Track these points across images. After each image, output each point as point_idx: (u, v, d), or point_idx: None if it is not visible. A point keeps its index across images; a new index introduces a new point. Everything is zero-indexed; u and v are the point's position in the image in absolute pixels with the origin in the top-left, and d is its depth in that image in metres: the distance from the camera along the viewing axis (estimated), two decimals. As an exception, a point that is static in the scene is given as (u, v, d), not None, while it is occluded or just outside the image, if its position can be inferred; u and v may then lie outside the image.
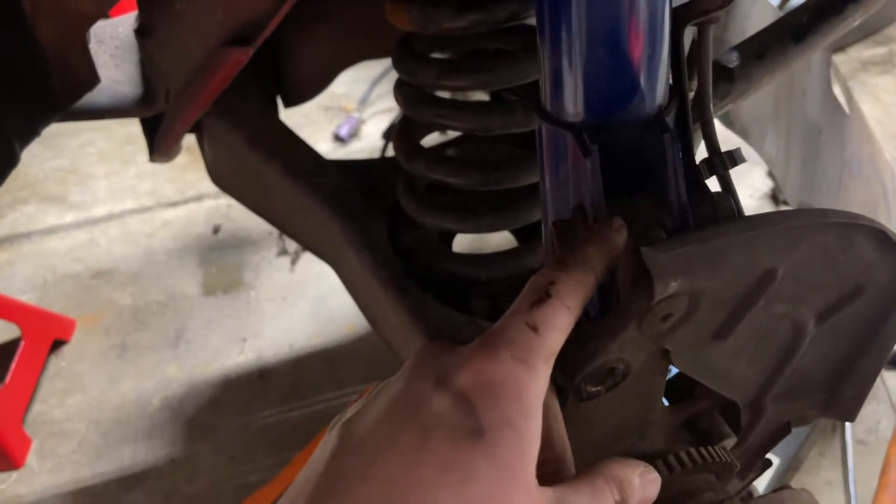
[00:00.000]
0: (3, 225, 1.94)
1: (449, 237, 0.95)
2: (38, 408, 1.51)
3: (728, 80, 0.67)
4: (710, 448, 0.48)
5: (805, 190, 1.22)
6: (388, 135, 2.07)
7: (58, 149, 2.16)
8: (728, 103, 0.69)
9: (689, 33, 0.49)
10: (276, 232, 1.83)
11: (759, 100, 1.07)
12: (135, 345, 1.62)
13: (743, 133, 1.07)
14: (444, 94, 0.77)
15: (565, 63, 0.45)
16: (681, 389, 0.52)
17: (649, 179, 0.45)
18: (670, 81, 0.48)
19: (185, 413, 1.48)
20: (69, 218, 1.96)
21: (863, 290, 0.47)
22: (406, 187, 0.86)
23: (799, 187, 1.22)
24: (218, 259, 1.82)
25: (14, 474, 1.40)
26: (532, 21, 0.64)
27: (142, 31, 0.84)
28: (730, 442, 0.52)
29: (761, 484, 1.21)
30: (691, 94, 0.50)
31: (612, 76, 0.45)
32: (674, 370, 0.47)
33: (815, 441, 1.35)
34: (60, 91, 0.77)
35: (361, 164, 0.99)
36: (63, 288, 1.76)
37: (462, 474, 0.34)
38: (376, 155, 2.00)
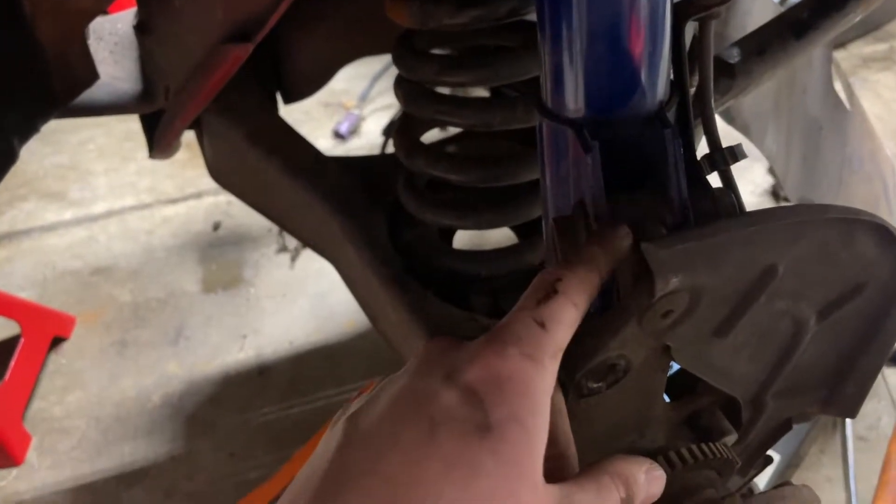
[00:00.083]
0: (3, 222, 1.94)
1: (449, 234, 0.94)
2: (37, 405, 1.51)
3: (729, 75, 0.67)
4: (711, 445, 0.48)
5: (806, 186, 1.21)
6: (388, 131, 2.06)
7: (57, 145, 2.16)
8: (729, 99, 0.69)
9: (690, 29, 0.49)
10: (275, 229, 1.83)
11: (759, 96, 1.07)
12: (134, 342, 1.62)
13: (744, 129, 1.07)
14: (445, 91, 0.77)
15: (566, 59, 0.45)
16: (682, 386, 0.52)
17: (650, 175, 0.45)
18: (671, 77, 0.48)
19: (185, 410, 1.48)
20: (69, 215, 1.96)
21: (864, 286, 0.47)
22: (406, 184, 0.86)
23: (800, 183, 1.22)
24: (218, 256, 1.82)
25: (14, 471, 1.40)
26: (532, 17, 0.63)
27: (141, 28, 0.83)
28: (731, 438, 0.52)
29: (761, 481, 1.21)
30: (692, 90, 0.50)
31: (613, 72, 0.45)
32: (675, 366, 0.47)
33: (815, 438, 1.35)
34: (59, 87, 0.77)
35: (361, 160, 0.99)
36: (63, 285, 1.76)
37: (469, 470, 0.34)
38: (376, 152, 1.99)
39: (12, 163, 0.76)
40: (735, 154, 0.48)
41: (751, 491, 0.56)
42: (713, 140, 0.49)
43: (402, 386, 0.38)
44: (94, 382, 1.55)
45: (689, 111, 0.48)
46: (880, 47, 2.33)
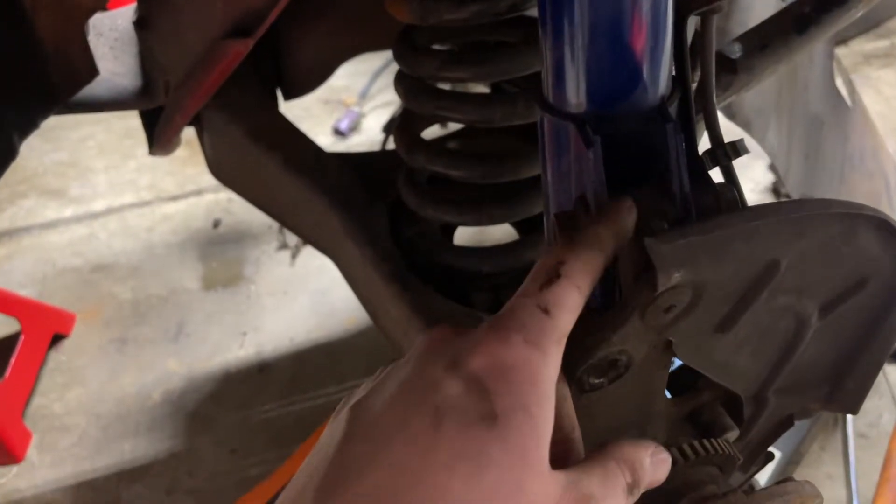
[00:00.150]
0: (3, 219, 1.94)
1: (450, 230, 0.94)
2: (38, 402, 1.51)
3: (731, 71, 0.67)
4: (712, 441, 0.48)
5: (807, 183, 1.21)
6: (389, 128, 2.06)
7: (57, 142, 2.16)
8: (731, 94, 0.68)
9: (691, 24, 0.49)
10: (276, 226, 1.83)
11: (761, 92, 1.07)
12: (135, 339, 1.62)
13: (745, 125, 1.07)
14: (445, 87, 0.77)
15: (567, 54, 0.45)
16: (683, 382, 0.52)
17: (652, 170, 0.45)
18: (673, 72, 0.48)
19: (186, 407, 1.48)
20: (68, 212, 1.96)
21: (866, 282, 0.47)
22: (407, 180, 0.86)
23: (801, 180, 1.22)
24: (218, 253, 1.81)
25: (14, 468, 1.40)
26: (533, 12, 0.63)
27: (141, 24, 0.83)
28: (732, 435, 0.52)
29: (762, 478, 1.21)
30: (694, 85, 0.49)
31: (615, 67, 0.45)
32: (676, 362, 0.47)
33: (816, 435, 1.35)
34: (59, 83, 0.77)
35: (362, 157, 0.99)
36: (63, 282, 1.76)
37: (475, 461, 0.34)
38: (376, 149, 1.99)
39: (12, 159, 0.76)
40: (737, 149, 0.48)
41: (752, 487, 0.56)
42: (715, 135, 0.49)
43: (406, 375, 0.38)
44: (95, 379, 1.55)
45: (691, 106, 0.48)
46: (881, 44, 2.33)
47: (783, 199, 1.78)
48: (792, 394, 0.52)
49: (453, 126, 0.87)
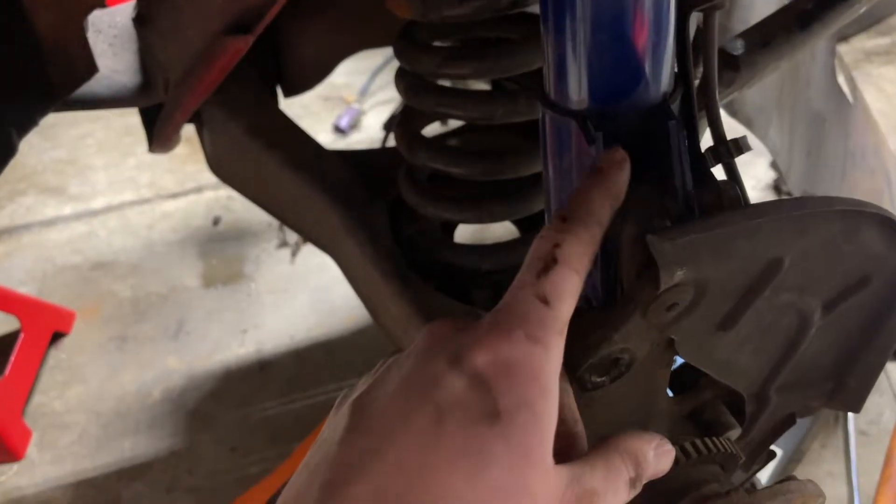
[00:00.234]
0: (2, 216, 1.94)
1: (451, 228, 0.94)
2: (38, 400, 1.51)
3: (733, 67, 0.66)
4: (714, 439, 0.48)
5: (808, 180, 1.21)
6: (389, 126, 2.06)
7: (56, 139, 2.15)
8: (733, 91, 0.68)
9: (693, 20, 0.48)
10: (276, 223, 1.82)
11: (763, 89, 1.07)
12: (135, 336, 1.62)
13: (747, 122, 1.07)
14: (446, 84, 0.77)
15: (569, 50, 0.45)
16: (685, 380, 0.52)
17: (654, 167, 0.45)
18: (675, 69, 0.48)
19: (186, 405, 1.48)
20: (68, 209, 1.95)
21: (869, 279, 0.46)
22: (407, 178, 0.86)
23: (802, 177, 1.22)
24: (218, 251, 1.81)
25: (14, 466, 1.40)
26: (535, 8, 0.63)
27: (140, 20, 0.83)
28: (734, 433, 0.52)
29: (763, 476, 1.20)
30: (696, 82, 0.49)
31: (617, 63, 0.45)
32: (678, 360, 0.47)
33: (817, 433, 1.35)
34: (58, 81, 0.77)
35: (362, 154, 0.99)
36: (62, 280, 1.76)
37: (479, 459, 0.33)
38: (377, 146, 1.99)
39: (11, 156, 0.76)
40: (740, 146, 0.48)
41: (753, 486, 0.56)
42: (717, 132, 0.49)
43: (408, 370, 0.37)
44: (95, 377, 1.54)
45: (694, 103, 0.48)
46: (883, 41, 2.32)
47: (785, 197, 1.77)
48: (794, 392, 0.52)
49: (454, 123, 0.86)
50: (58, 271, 1.78)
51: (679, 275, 0.39)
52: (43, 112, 0.77)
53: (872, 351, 0.50)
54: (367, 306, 0.97)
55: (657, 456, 0.41)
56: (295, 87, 1.11)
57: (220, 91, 0.81)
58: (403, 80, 0.77)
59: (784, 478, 0.47)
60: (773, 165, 1.83)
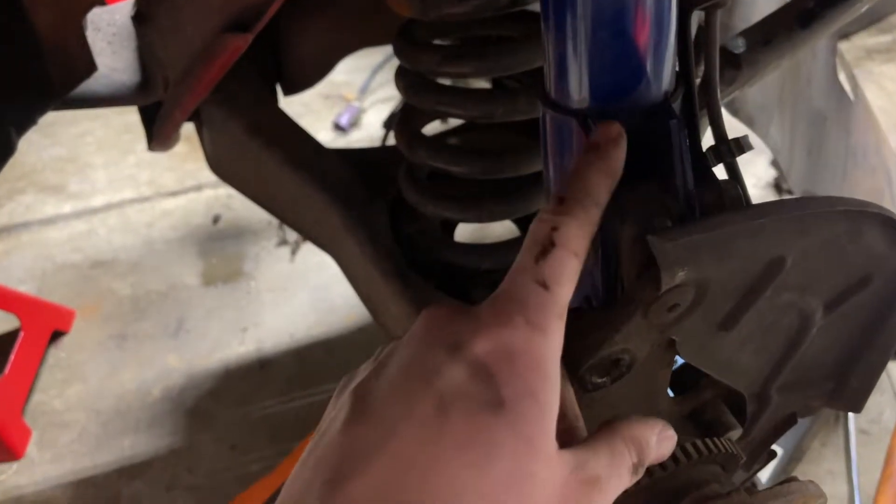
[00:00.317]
0: (1, 215, 1.93)
1: (451, 227, 0.94)
2: (37, 398, 1.50)
3: (734, 66, 0.66)
4: (715, 440, 0.48)
5: (810, 179, 1.21)
6: (389, 124, 2.06)
7: (55, 137, 2.15)
8: (734, 90, 0.68)
9: (695, 18, 0.48)
10: (276, 222, 1.82)
11: (764, 87, 1.07)
12: (134, 335, 1.62)
13: (748, 121, 1.07)
14: (446, 82, 0.76)
15: (570, 49, 0.45)
16: (686, 380, 0.52)
17: (656, 167, 0.45)
18: (676, 68, 0.47)
19: (186, 403, 1.48)
20: (67, 208, 1.95)
21: (870, 279, 0.46)
22: (407, 176, 0.85)
23: (804, 176, 1.22)
24: (218, 249, 1.81)
25: (14, 465, 1.40)
26: (535, 6, 0.63)
27: (139, 18, 0.83)
28: (735, 433, 0.52)
29: (764, 474, 1.20)
30: (697, 81, 0.49)
31: (618, 62, 0.44)
32: (679, 360, 0.46)
33: (817, 431, 1.35)
34: (57, 79, 0.76)
35: (362, 152, 0.99)
36: (62, 278, 1.76)
37: (484, 449, 0.33)
38: (376, 144, 1.99)
39: (10, 155, 0.75)
40: (741, 145, 0.47)
41: (754, 485, 0.56)
42: (719, 131, 0.49)
43: (408, 358, 0.37)
44: (94, 376, 1.54)
45: (695, 102, 0.47)
46: (884, 39, 2.32)
47: (785, 195, 1.77)
48: (795, 391, 0.52)
49: (454, 121, 0.86)
50: (57, 270, 1.78)
51: (680, 275, 0.39)
52: (42, 110, 0.77)
53: (874, 350, 0.50)
54: (366, 305, 0.97)
55: (659, 441, 0.41)
56: (295, 86, 1.11)
57: (219, 89, 0.81)
58: (403, 78, 0.76)
59: (785, 478, 0.47)
60: (774, 163, 1.83)
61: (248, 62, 0.90)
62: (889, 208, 0.44)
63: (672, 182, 0.44)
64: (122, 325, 1.64)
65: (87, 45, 0.76)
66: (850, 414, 1.35)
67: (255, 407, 1.47)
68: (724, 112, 0.51)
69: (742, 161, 0.48)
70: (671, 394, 0.51)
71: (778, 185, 1.84)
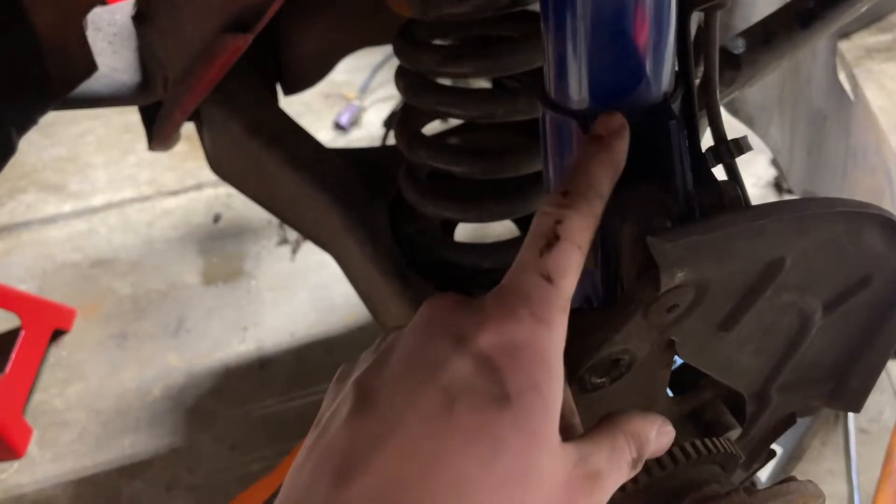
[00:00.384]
0: (2, 214, 1.94)
1: (451, 226, 0.94)
2: (38, 397, 1.51)
3: (734, 66, 0.66)
4: (714, 440, 0.48)
5: (809, 178, 1.21)
6: (390, 123, 2.06)
7: (56, 137, 2.15)
8: (734, 90, 0.68)
9: (694, 19, 0.48)
10: (276, 221, 1.82)
11: (764, 87, 1.07)
12: (135, 334, 1.62)
13: (748, 120, 1.07)
14: (446, 82, 0.76)
15: (569, 49, 0.45)
16: (685, 380, 0.52)
17: (655, 167, 0.45)
18: (676, 68, 0.47)
19: (186, 402, 1.48)
20: (68, 207, 1.95)
21: (870, 279, 0.46)
22: (407, 176, 0.85)
23: (804, 175, 1.22)
24: (218, 248, 1.81)
25: (15, 464, 1.40)
26: (535, 6, 0.63)
27: (140, 18, 0.83)
28: (734, 433, 0.52)
29: (763, 473, 1.20)
30: (697, 81, 0.49)
31: (618, 63, 0.44)
32: (678, 361, 0.46)
33: (817, 430, 1.35)
34: (57, 79, 0.76)
35: (362, 152, 0.99)
36: (63, 277, 1.76)
37: (491, 445, 0.33)
38: (377, 143, 1.99)
39: (10, 154, 0.76)
40: (741, 146, 0.47)
41: (753, 484, 0.56)
42: (718, 132, 0.49)
43: (411, 349, 0.37)
44: (95, 375, 1.54)
45: (695, 103, 0.47)
46: (884, 38, 2.32)
47: (786, 195, 1.77)
48: (795, 391, 0.52)
49: (454, 121, 0.86)
50: (58, 269, 1.78)
51: (680, 276, 0.39)
52: (42, 110, 0.77)
53: (873, 351, 0.50)
54: (367, 305, 0.97)
55: (658, 436, 0.41)
56: (295, 85, 1.11)
57: (219, 89, 0.81)
58: (403, 78, 0.76)
59: (784, 478, 0.47)
60: (774, 163, 1.83)
61: (249, 62, 0.90)
62: (889, 208, 0.44)
63: (672, 182, 0.44)
64: (122, 324, 1.64)
65: (87, 44, 0.76)
66: (850, 413, 1.35)
67: (255, 406, 1.47)
68: (723, 112, 0.51)
69: (742, 160, 0.48)
70: (670, 394, 0.51)
71: (778, 185, 1.84)
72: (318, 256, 1.72)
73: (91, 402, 1.49)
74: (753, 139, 0.93)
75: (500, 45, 0.71)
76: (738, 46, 0.66)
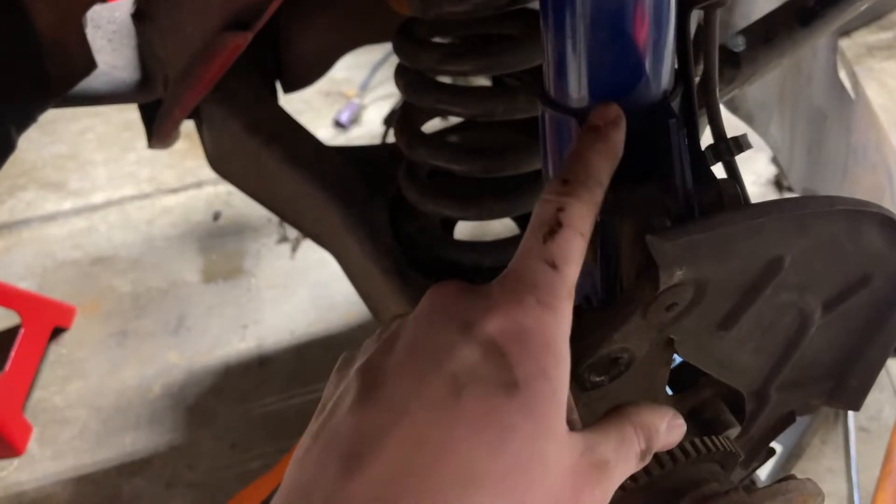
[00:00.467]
0: (2, 211, 1.94)
1: (451, 224, 0.94)
2: (38, 395, 1.51)
3: (734, 64, 0.66)
4: (714, 438, 0.48)
5: (810, 176, 1.21)
6: (389, 121, 2.06)
7: (56, 135, 2.15)
8: (734, 88, 0.68)
9: (694, 17, 0.48)
10: (276, 219, 1.82)
11: (764, 85, 1.06)
12: (135, 332, 1.62)
13: (748, 118, 1.07)
14: (446, 80, 0.76)
15: (569, 48, 0.44)
16: (685, 379, 0.52)
17: (654, 166, 0.45)
18: (675, 66, 0.47)
19: (186, 400, 1.48)
20: (68, 204, 1.95)
21: (870, 278, 0.46)
22: (407, 174, 0.85)
23: (804, 174, 1.22)
24: (218, 246, 1.81)
25: (15, 461, 1.40)
26: (535, 5, 0.63)
27: (139, 16, 0.82)
28: (734, 431, 0.52)
29: (763, 471, 1.21)
30: (697, 79, 0.49)
31: (617, 61, 0.44)
32: (678, 359, 0.46)
33: (817, 429, 1.35)
34: (57, 76, 0.76)
35: (362, 150, 0.99)
36: (63, 275, 1.76)
37: (499, 431, 0.33)
38: (377, 141, 1.99)
39: (10, 152, 0.76)
40: (740, 144, 0.47)
41: (753, 482, 0.56)
42: (718, 130, 0.49)
43: (417, 336, 0.37)
44: (95, 372, 1.55)
45: (694, 101, 0.47)
46: (885, 35, 2.31)
47: (786, 193, 1.77)
48: (794, 390, 0.52)
49: (454, 119, 0.86)
50: (58, 266, 1.78)
51: (679, 275, 0.39)
52: (42, 108, 0.77)
53: (873, 349, 0.50)
54: (366, 303, 0.97)
55: (669, 429, 0.41)
56: (295, 83, 1.11)
57: (219, 87, 0.81)
58: (403, 76, 0.76)
59: (784, 476, 0.47)
60: (774, 161, 1.83)
61: (248, 60, 0.90)
62: (890, 206, 0.44)
63: (671, 181, 0.44)
64: (122, 322, 1.64)
65: (86, 42, 0.76)
66: (850, 412, 1.35)
67: (255, 404, 1.47)
68: (723, 110, 0.51)
69: (742, 159, 0.48)
70: (670, 392, 0.51)
71: (778, 183, 1.84)
72: (318, 254, 1.72)
73: (91, 399, 1.50)
74: (753, 137, 0.93)
75: (500, 44, 0.71)
76: (738, 44, 0.66)
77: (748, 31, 0.68)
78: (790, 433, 1.29)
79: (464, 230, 0.98)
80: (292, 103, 1.10)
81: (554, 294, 0.36)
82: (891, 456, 1.29)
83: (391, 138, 0.87)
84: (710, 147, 0.48)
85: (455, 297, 0.38)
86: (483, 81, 1.00)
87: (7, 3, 0.69)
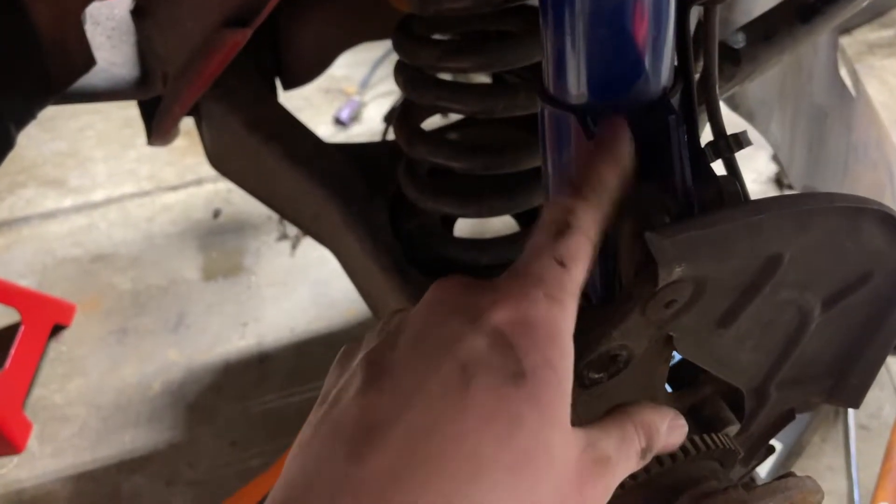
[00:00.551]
0: (2, 209, 1.94)
1: (450, 222, 0.94)
2: (38, 392, 1.51)
3: (734, 61, 0.66)
4: (713, 435, 0.48)
5: (810, 174, 1.21)
6: (389, 118, 2.06)
7: (56, 132, 2.15)
8: (734, 85, 0.68)
9: (694, 13, 0.48)
10: (276, 216, 1.82)
11: (764, 82, 1.06)
12: (135, 329, 1.62)
13: (748, 116, 1.07)
14: (446, 77, 0.76)
15: (568, 44, 0.44)
16: (684, 376, 0.52)
17: (654, 163, 0.44)
18: (675, 63, 0.47)
19: (186, 398, 1.48)
20: (68, 202, 1.95)
21: (870, 275, 0.46)
22: (407, 171, 0.85)
23: (804, 171, 1.22)
24: (218, 243, 1.81)
25: (15, 459, 1.40)
26: (534, 1, 0.62)
27: (138, 13, 0.82)
28: (733, 429, 0.52)
29: (763, 469, 1.21)
30: (697, 76, 0.49)
31: (617, 58, 0.44)
32: (677, 357, 0.46)
33: (817, 427, 1.35)
34: (56, 73, 0.76)
35: (362, 147, 0.99)
36: (63, 272, 1.76)
37: (507, 421, 0.33)
38: (377, 138, 1.98)
39: (9, 149, 0.75)
40: (740, 141, 0.47)
41: (752, 480, 0.56)
42: (717, 127, 0.48)
43: (424, 326, 0.37)
44: (95, 370, 1.55)
45: (694, 98, 0.47)
46: (886, 33, 2.31)
47: (787, 190, 1.77)
48: (794, 387, 0.52)
49: (454, 116, 0.86)
50: (58, 264, 1.78)
51: (678, 272, 0.39)
52: (41, 105, 0.77)
53: (873, 347, 0.50)
54: (366, 301, 0.97)
55: (670, 430, 0.41)
56: (294, 80, 1.10)
57: (218, 84, 0.81)
58: (403, 73, 0.76)
59: (782, 474, 0.47)
60: (775, 159, 1.83)
61: (248, 57, 0.90)
62: (890, 203, 0.43)
63: (671, 178, 0.44)
64: (122, 320, 1.64)
65: (85, 39, 0.76)
66: (850, 409, 1.35)
67: (255, 402, 1.47)
68: (723, 107, 0.51)
69: (743, 156, 0.48)
70: (669, 389, 0.51)
71: (779, 180, 1.84)
72: (318, 252, 1.71)
73: (91, 397, 1.50)
74: (754, 134, 0.93)
75: (500, 41, 0.71)
76: (738, 41, 0.66)
77: (748, 28, 0.68)
78: (790, 431, 1.29)
79: (463, 227, 0.98)
80: (292, 100, 1.10)
81: (562, 289, 0.36)
82: (891, 454, 1.29)
83: (391, 136, 0.87)
84: (709, 144, 0.48)
85: (461, 290, 0.38)
86: (483, 78, 1.00)
87: (6, 0, 0.69)
